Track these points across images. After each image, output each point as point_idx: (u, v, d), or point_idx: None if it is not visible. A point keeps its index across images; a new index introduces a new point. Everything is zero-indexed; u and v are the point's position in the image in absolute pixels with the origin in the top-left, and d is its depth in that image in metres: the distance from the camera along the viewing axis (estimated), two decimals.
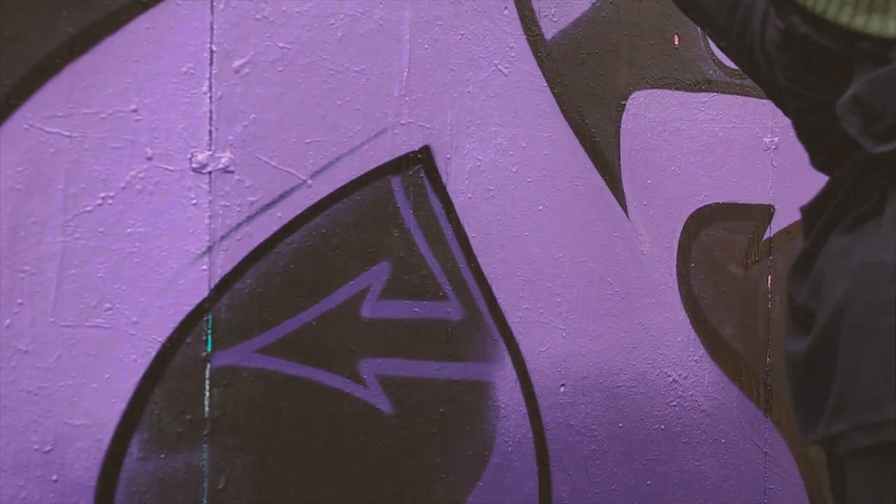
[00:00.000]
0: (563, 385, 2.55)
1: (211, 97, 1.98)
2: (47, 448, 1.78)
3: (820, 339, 1.57)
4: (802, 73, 1.58)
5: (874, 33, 1.41)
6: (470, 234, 2.37)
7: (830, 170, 1.64)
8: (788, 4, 1.50)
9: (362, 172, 2.20)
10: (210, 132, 1.98)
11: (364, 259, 2.21)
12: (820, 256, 1.61)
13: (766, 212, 2.98)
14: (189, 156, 1.95)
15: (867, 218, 1.53)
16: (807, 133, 1.64)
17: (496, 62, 2.39)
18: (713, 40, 2.10)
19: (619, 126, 2.63)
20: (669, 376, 2.77)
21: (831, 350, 1.54)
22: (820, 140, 1.59)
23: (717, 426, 2.91)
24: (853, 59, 1.44)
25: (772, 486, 3.11)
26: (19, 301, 1.76)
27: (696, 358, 2.80)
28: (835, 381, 1.54)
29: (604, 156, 2.62)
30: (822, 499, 3.31)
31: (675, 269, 2.76)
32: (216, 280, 2.00)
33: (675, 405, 2.79)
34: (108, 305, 1.86)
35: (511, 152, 2.42)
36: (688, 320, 2.79)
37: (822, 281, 1.59)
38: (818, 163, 1.66)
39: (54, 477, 1.79)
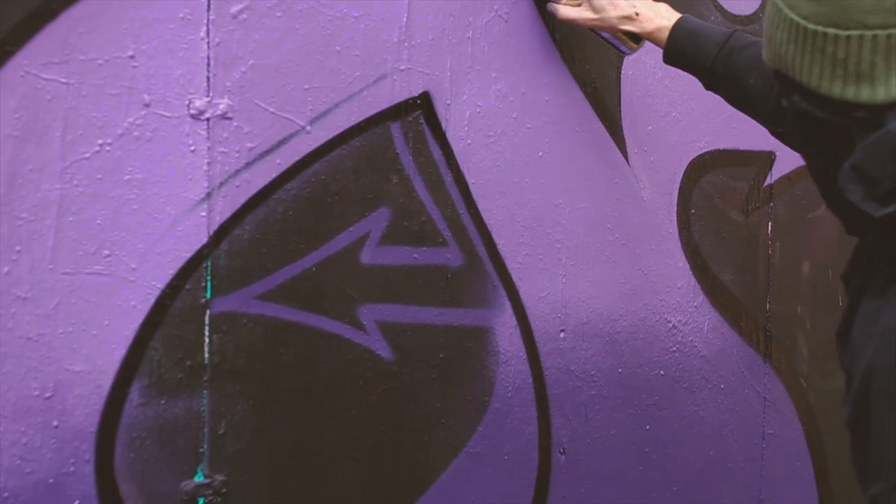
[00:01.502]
0: (562, 331, 2.56)
1: (208, 43, 1.97)
2: (47, 394, 1.79)
3: (856, 404, 1.60)
4: (813, 148, 1.60)
5: (865, 101, 1.41)
6: (470, 180, 2.37)
7: (862, 235, 1.68)
8: (789, 82, 1.51)
9: (361, 119, 2.19)
10: (208, 78, 1.97)
11: (363, 205, 2.21)
12: (855, 322, 1.64)
13: (768, 158, 2.97)
14: (187, 102, 1.94)
15: (892, 282, 1.55)
16: (830, 202, 1.67)
17: (496, 7, 2.37)
18: (769, 130, 2.16)
19: (620, 72, 2.61)
20: (669, 322, 2.77)
21: (866, 414, 1.57)
22: (842, 208, 1.60)
23: (717, 372, 2.92)
24: (852, 130, 1.44)
25: (770, 431, 3.12)
26: (17, 248, 1.76)
27: (695, 304, 2.80)
28: (870, 444, 1.57)
29: (604, 102, 2.60)
30: (821, 443, 3.33)
31: (675, 215, 2.75)
32: (215, 226, 2.00)
33: (674, 351, 2.80)
34: (106, 252, 1.86)
35: (511, 98, 2.41)
36: (688, 266, 2.79)
37: (855, 346, 1.62)
38: (850, 230, 1.68)
39: (55, 423, 1.80)
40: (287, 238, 2.09)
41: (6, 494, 1.75)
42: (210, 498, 2.00)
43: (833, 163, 1.49)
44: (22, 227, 1.76)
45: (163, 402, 1.93)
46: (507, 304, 2.44)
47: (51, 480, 1.80)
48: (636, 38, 2.31)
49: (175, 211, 1.94)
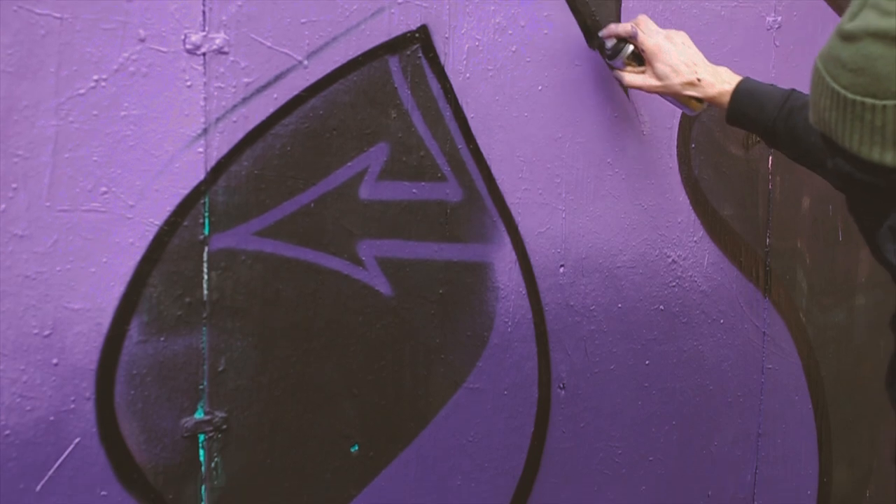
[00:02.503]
0: (562, 266, 2.56)
1: None
2: (46, 332, 1.79)
3: None
4: (857, 206, 1.65)
5: None
6: (469, 114, 2.35)
7: None
8: (832, 144, 1.57)
9: (359, 52, 2.16)
10: (203, 12, 1.94)
11: (362, 140, 2.19)
12: None
13: None
14: (182, 37, 1.92)
15: None
16: (875, 254, 1.71)
17: None
18: (832, 185, 2.17)
19: (620, 4, 2.58)
20: (669, 257, 2.77)
21: None
22: (886, 263, 1.67)
23: (716, 306, 2.92)
24: (891, 192, 1.51)
25: (769, 366, 3.13)
26: (14, 186, 1.75)
27: (695, 239, 2.80)
28: None
29: None
30: (819, 378, 3.34)
31: (675, 149, 2.74)
32: (212, 163, 1.99)
33: (674, 286, 2.80)
34: (103, 189, 1.85)
35: (510, 31, 2.38)
36: (688, 201, 2.78)
37: None
38: None
39: (54, 360, 1.80)
40: (285, 174, 2.08)
41: (7, 432, 1.76)
42: (211, 434, 2.01)
43: (875, 221, 1.57)
44: (18, 165, 1.75)
45: (162, 339, 1.93)
46: (507, 239, 2.43)
47: (51, 418, 1.80)
48: (700, 99, 2.38)
49: (172, 147, 1.93)
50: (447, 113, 2.31)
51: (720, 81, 2.34)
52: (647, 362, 2.78)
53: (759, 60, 2.84)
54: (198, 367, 1.99)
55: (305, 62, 2.09)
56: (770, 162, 2.98)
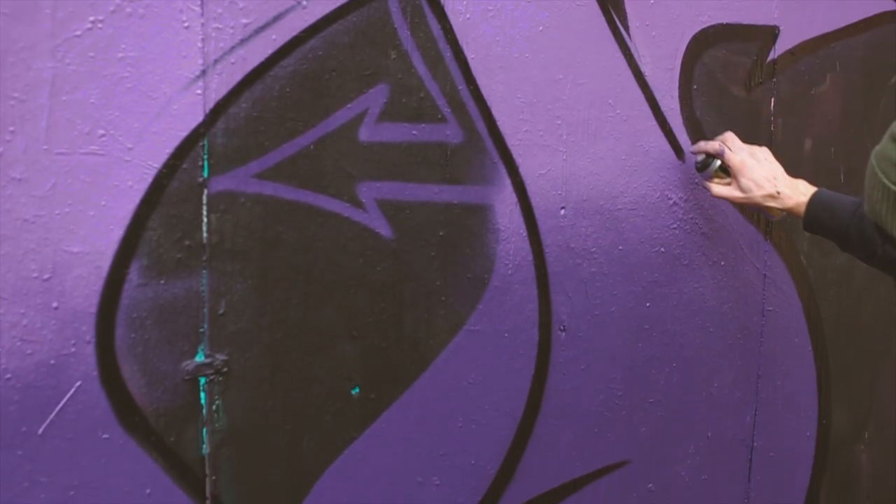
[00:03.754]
0: (563, 207, 2.55)
1: None
2: (46, 276, 1.78)
3: None
4: None
5: None
6: (469, 55, 2.33)
7: None
8: (883, 234, 1.74)
9: None
10: None
11: (361, 81, 2.18)
12: None
13: (771, 33, 2.93)
14: None
15: None
16: None
17: None
18: (885, 271, 2.39)
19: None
20: (670, 199, 2.76)
21: None
22: None
23: (717, 248, 2.91)
24: None
25: (770, 308, 3.13)
26: (11, 129, 1.73)
27: (696, 180, 2.78)
28: None
29: None
30: (819, 320, 3.35)
31: (677, 91, 2.72)
32: (211, 104, 1.97)
33: (675, 227, 2.79)
34: (101, 132, 1.83)
35: None
36: (689, 143, 2.76)
37: None
38: None
39: (54, 304, 1.79)
40: (284, 116, 2.07)
41: (8, 376, 1.76)
42: (211, 377, 2.01)
43: None
44: (14, 108, 1.74)
45: (162, 282, 1.93)
46: (507, 181, 2.42)
47: (52, 361, 1.80)
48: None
49: (170, 89, 1.91)
50: (447, 54, 2.29)
51: (797, 193, 2.56)
52: (647, 304, 2.78)
53: (761, 0, 2.82)
54: (198, 310, 1.98)
55: (304, 2, 2.07)
56: (772, 104, 2.96)
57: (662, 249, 2.78)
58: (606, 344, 2.71)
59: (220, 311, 2.01)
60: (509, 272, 2.46)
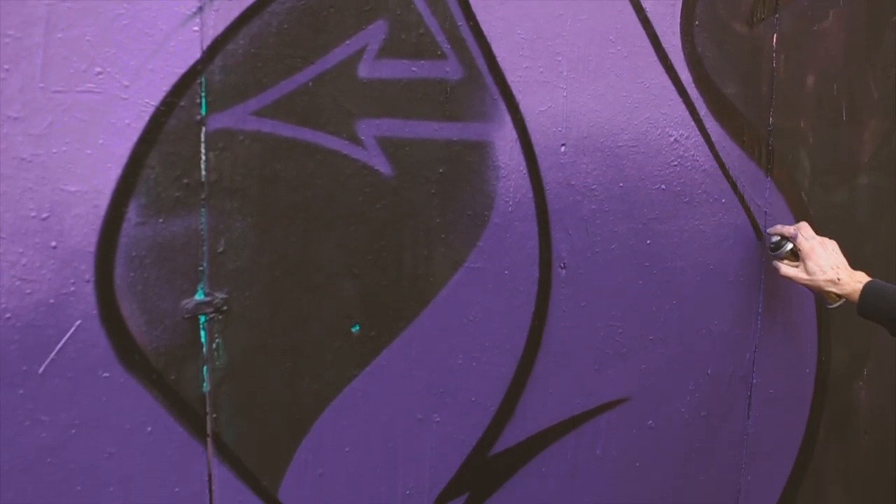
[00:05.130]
0: (563, 144, 2.54)
1: None
2: (44, 215, 1.78)
3: None
4: None
5: None
6: None
7: None
8: None
9: None
10: None
11: (360, 17, 2.16)
12: None
13: None
14: None
15: None
16: None
17: None
18: None
19: None
20: (671, 136, 2.75)
21: None
22: None
23: (718, 185, 2.90)
24: None
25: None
26: (6, 67, 1.72)
27: (698, 117, 2.77)
28: None
29: None
30: None
31: (678, 27, 2.69)
32: (208, 41, 1.95)
33: (675, 164, 2.78)
34: (98, 70, 1.82)
35: None
36: (690, 79, 2.74)
37: None
38: None
39: (53, 243, 1.79)
40: (282, 52, 2.05)
41: (7, 315, 1.76)
42: (211, 315, 2.01)
43: None
44: (9, 45, 1.72)
45: (161, 220, 1.92)
46: (507, 118, 2.41)
47: (51, 300, 1.80)
48: (840, 297, 2.90)
49: (166, 26, 1.90)
50: None
51: (854, 282, 2.85)
52: (648, 241, 2.77)
53: None
54: (197, 248, 1.98)
55: None
56: (774, 40, 2.93)
57: (663, 186, 2.77)
58: (607, 281, 2.71)
59: (220, 250, 2.01)
60: (509, 209, 2.45)
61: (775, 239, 3.01)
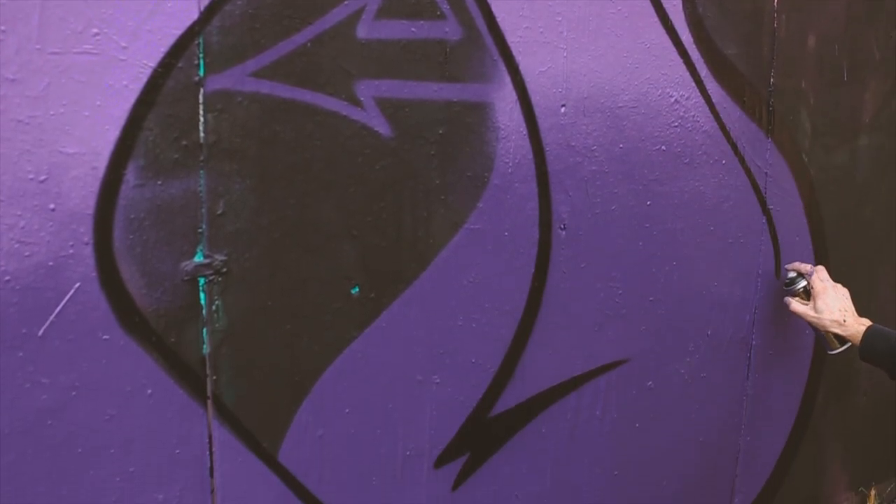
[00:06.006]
0: (563, 105, 2.53)
1: None
2: (42, 177, 1.77)
3: None
4: None
5: None
6: None
7: None
8: None
9: None
10: None
11: None
12: None
13: None
14: None
15: None
16: None
17: None
18: None
19: None
20: (671, 96, 2.73)
21: None
22: None
23: (718, 147, 2.90)
24: None
25: (771, 206, 3.13)
26: (3, 28, 1.70)
27: (698, 78, 2.76)
28: None
29: None
30: (820, 218, 3.34)
31: None
32: (206, 2, 1.94)
33: (676, 126, 2.77)
34: (95, 31, 1.80)
35: None
36: (691, 39, 2.73)
37: None
38: None
39: (51, 206, 1.78)
40: (280, 13, 2.04)
41: (7, 278, 1.75)
42: (211, 277, 2.01)
43: None
44: (5, 6, 1.71)
45: (159, 182, 1.91)
46: (507, 79, 2.40)
47: (51, 263, 1.80)
48: (841, 342, 3.04)
49: None
50: None
51: (859, 325, 2.96)
52: (648, 203, 2.77)
53: None
54: (196, 210, 1.97)
55: None
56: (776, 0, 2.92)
57: (663, 147, 2.76)
58: (607, 242, 2.70)
59: (219, 212, 2.00)
60: (509, 171, 2.44)
61: (791, 275, 3.15)
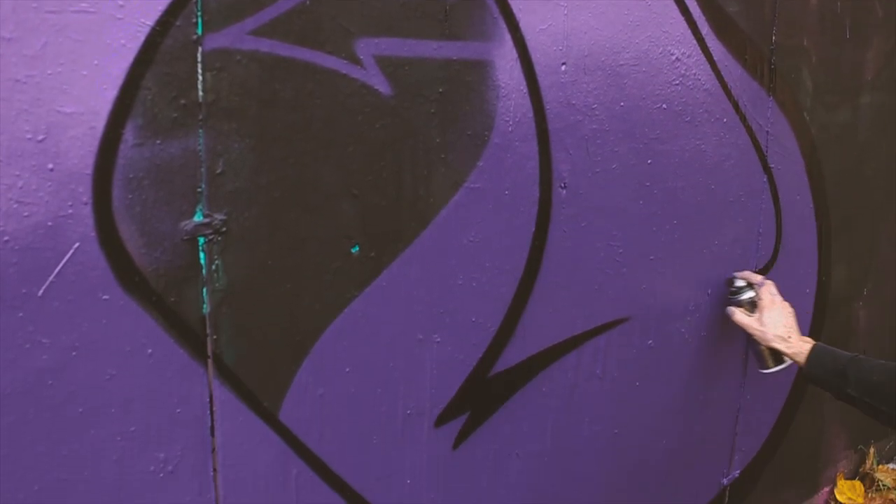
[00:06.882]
0: (564, 63, 2.51)
1: None
2: (40, 137, 1.76)
3: None
4: None
5: None
6: None
7: None
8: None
9: None
10: None
11: None
12: None
13: None
14: None
15: None
16: None
17: None
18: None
19: None
20: (672, 54, 2.72)
21: None
22: None
23: (719, 105, 2.88)
24: None
25: (772, 165, 3.12)
26: None
27: (700, 36, 2.74)
28: None
29: None
30: (821, 177, 3.33)
31: None
32: None
33: (677, 84, 2.76)
34: None
35: None
36: None
37: None
38: None
39: (50, 166, 1.77)
40: None
41: (6, 238, 1.75)
42: (210, 237, 2.01)
43: None
44: None
45: (158, 142, 1.90)
46: (507, 37, 2.38)
47: (49, 223, 1.79)
48: (777, 362, 3.01)
49: None
50: None
51: (804, 343, 2.87)
52: (648, 161, 2.76)
53: None
54: (195, 169, 1.96)
55: None
56: None
57: (664, 106, 2.75)
58: (607, 201, 2.70)
59: (218, 171, 1.99)
60: (510, 129, 2.44)
61: (739, 284, 3.08)
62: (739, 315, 3.03)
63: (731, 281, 3.11)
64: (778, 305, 2.99)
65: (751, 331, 3.00)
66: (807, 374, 2.83)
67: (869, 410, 2.64)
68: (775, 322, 2.95)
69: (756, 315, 3.01)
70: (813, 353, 2.82)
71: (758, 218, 3.15)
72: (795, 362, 2.89)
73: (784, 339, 2.91)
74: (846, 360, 2.72)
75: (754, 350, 3.05)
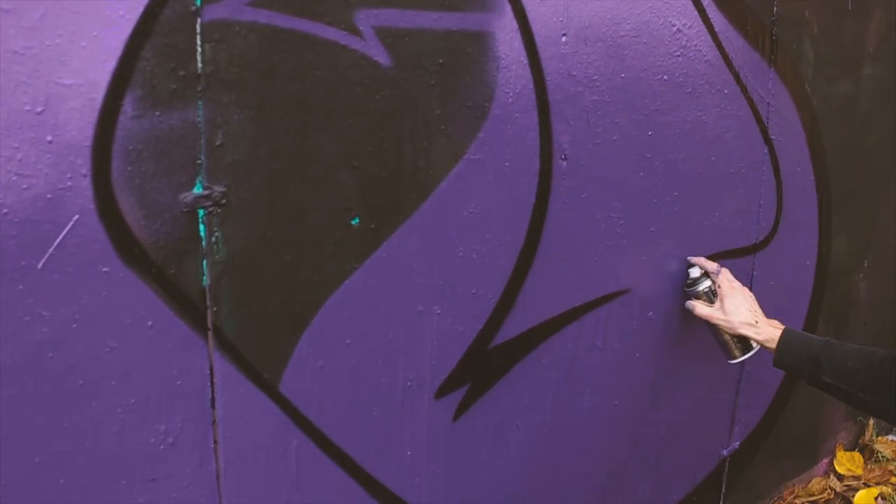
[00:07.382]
0: (564, 34, 2.50)
1: None
2: (39, 109, 1.75)
3: None
4: None
5: None
6: None
7: None
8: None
9: None
10: None
11: None
12: None
13: None
14: None
15: None
16: None
17: None
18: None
19: None
20: (674, 25, 2.71)
21: None
22: None
23: (720, 76, 2.87)
24: None
25: (773, 137, 3.11)
26: None
27: (701, 6, 2.73)
28: None
29: None
30: (822, 149, 3.33)
31: None
32: None
33: (678, 55, 2.75)
34: None
35: None
36: None
37: None
38: None
39: (48, 138, 1.77)
40: None
41: (5, 210, 1.75)
42: (210, 209, 2.00)
43: None
44: None
45: (157, 113, 1.90)
46: (508, 8, 2.37)
47: (49, 195, 1.79)
48: (744, 350, 2.89)
49: None
50: None
51: (773, 328, 2.77)
52: (649, 133, 2.76)
53: None
54: (195, 141, 1.96)
55: None
56: None
57: (665, 77, 2.74)
58: (608, 173, 2.69)
59: (218, 143, 1.99)
60: (510, 100, 2.43)
61: (695, 274, 2.98)
62: (701, 307, 2.94)
63: (687, 271, 3.02)
64: (738, 291, 2.89)
65: (715, 321, 2.90)
66: (777, 362, 2.74)
67: (844, 397, 2.56)
68: (738, 308, 2.85)
69: (717, 304, 2.91)
70: (783, 339, 2.73)
71: (758, 189, 3.15)
72: (765, 349, 2.80)
73: (751, 325, 2.81)
74: (819, 345, 2.63)
75: (718, 341, 2.96)
